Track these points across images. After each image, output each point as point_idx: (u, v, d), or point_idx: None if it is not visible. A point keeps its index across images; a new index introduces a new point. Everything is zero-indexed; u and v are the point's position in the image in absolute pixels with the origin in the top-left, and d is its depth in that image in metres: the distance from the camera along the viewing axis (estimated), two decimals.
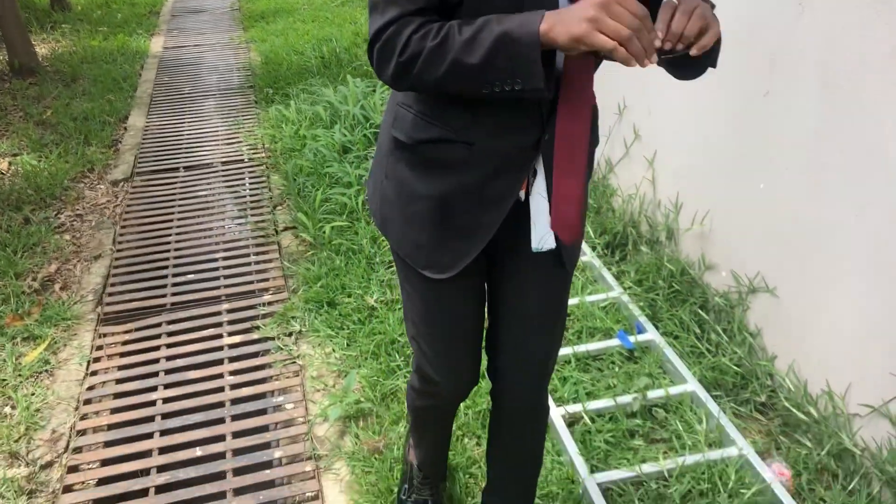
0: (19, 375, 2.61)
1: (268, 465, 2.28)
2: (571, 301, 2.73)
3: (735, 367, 2.39)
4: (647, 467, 2.08)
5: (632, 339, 2.53)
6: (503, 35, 1.07)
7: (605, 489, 2.05)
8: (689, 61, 1.18)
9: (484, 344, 1.59)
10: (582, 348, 2.51)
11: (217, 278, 3.18)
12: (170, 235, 3.52)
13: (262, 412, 2.46)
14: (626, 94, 2.93)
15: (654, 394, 2.32)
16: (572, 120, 1.23)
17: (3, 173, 4.11)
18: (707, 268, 2.63)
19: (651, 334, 2.55)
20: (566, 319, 1.56)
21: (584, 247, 2.98)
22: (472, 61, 1.10)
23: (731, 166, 2.41)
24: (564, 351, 2.51)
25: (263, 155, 4.28)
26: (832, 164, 1.99)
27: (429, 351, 1.54)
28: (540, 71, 1.07)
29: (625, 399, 2.32)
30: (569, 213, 1.31)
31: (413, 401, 1.76)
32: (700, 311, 2.60)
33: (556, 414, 2.26)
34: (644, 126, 2.87)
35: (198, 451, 2.31)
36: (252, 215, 3.65)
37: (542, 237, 1.35)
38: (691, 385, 2.33)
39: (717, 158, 2.48)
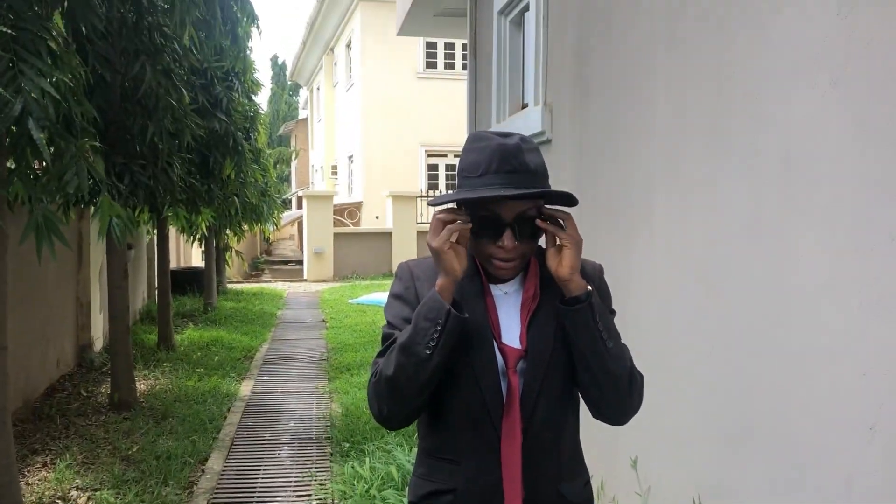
0: None
1: None
2: None
3: None
4: None
5: None
6: (417, 310, 1.56)
7: None
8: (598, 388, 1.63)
9: None
10: None
11: None
12: None
13: None
14: (702, 494, 2.92)
15: None
16: (509, 450, 1.60)
17: None
18: None
19: None
20: None
21: None
22: (406, 336, 1.55)
23: None
24: None
25: None
26: None
27: None
28: (441, 302, 1.52)
29: None
30: None
31: None
32: None
33: None
34: None
35: None
36: None
37: None
38: None
39: None
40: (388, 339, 1.66)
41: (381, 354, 1.65)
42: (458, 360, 1.61)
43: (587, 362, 1.61)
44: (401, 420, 1.65)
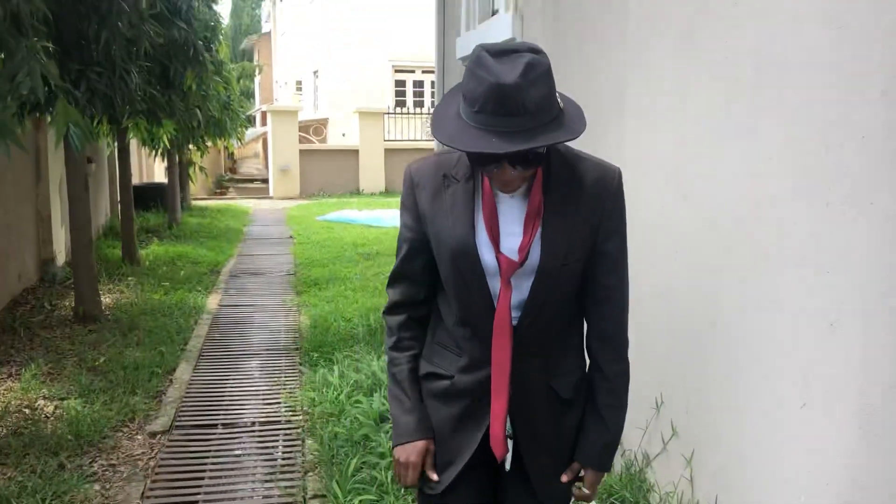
0: None
1: None
2: None
3: None
4: None
5: None
6: (394, 419, 1.84)
7: None
8: None
9: None
10: None
11: None
12: (198, 496, 3.48)
13: None
14: (664, 389, 3.00)
15: None
16: (499, 351, 1.70)
17: (47, 416, 4.20)
18: None
19: None
20: None
21: None
22: (390, 407, 1.87)
23: (770, 474, 2.39)
24: None
25: (301, 418, 4.33)
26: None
27: None
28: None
29: None
30: (496, 429, 1.72)
31: None
32: None
33: None
34: (682, 424, 2.89)
35: None
36: (282, 479, 3.62)
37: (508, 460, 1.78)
38: None
39: (757, 464, 2.46)
40: (400, 246, 1.85)
41: (393, 275, 1.93)
42: (466, 266, 1.68)
43: None
44: None
